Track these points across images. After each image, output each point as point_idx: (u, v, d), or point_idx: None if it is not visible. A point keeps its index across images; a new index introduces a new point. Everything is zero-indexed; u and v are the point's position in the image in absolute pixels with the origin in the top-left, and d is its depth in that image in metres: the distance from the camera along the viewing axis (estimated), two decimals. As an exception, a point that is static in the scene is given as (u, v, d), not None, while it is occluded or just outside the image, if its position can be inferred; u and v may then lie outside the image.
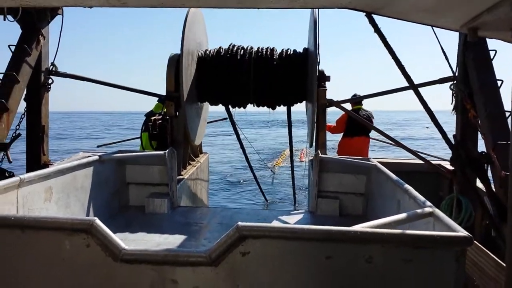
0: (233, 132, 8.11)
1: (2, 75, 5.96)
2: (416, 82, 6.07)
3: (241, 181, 15.52)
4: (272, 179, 15.37)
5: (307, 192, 7.65)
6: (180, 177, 6.23)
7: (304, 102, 7.17)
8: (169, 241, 4.17)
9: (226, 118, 8.57)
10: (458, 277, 2.02)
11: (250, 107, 7.21)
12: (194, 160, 7.67)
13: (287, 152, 20.67)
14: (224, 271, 2.06)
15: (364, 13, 3.23)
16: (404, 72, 3.60)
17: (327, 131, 7.12)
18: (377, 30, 3.34)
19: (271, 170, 16.60)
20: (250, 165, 8.61)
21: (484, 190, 4.87)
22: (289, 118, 7.45)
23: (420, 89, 4.48)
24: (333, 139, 9.13)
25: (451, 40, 6.09)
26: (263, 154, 20.10)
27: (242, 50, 6.78)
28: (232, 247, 2.04)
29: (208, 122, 8.59)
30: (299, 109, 7.61)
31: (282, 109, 7.37)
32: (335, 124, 8.43)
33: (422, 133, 41.47)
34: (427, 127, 51.37)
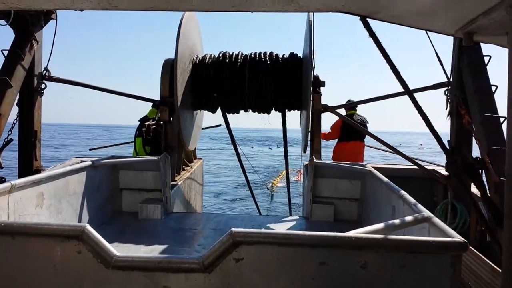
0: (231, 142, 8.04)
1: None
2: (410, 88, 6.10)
3: (237, 198, 15.48)
4: (271, 197, 15.10)
5: (302, 198, 7.63)
6: (174, 182, 6.19)
7: (299, 111, 7.16)
8: (163, 248, 4.13)
9: (220, 125, 8.53)
10: (454, 282, 2.01)
11: (245, 119, 7.18)
12: (188, 166, 7.63)
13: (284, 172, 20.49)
14: (218, 278, 2.03)
15: (359, 17, 3.22)
16: (399, 77, 3.59)
17: (321, 139, 7.11)
18: (372, 34, 3.33)
19: (268, 189, 16.15)
20: (246, 176, 8.53)
21: (479, 196, 4.88)
22: (284, 124, 7.43)
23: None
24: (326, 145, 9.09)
25: (444, 46, 6.12)
26: (260, 173, 19.75)
27: (236, 56, 6.77)
28: (226, 253, 2.01)
29: (202, 128, 8.55)
30: (296, 127, 7.57)
31: (278, 126, 7.32)
32: (329, 131, 8.43)
33: (416, 150, 41.71)
34: (421, 144, 52.02)
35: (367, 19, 3.21)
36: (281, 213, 12.24)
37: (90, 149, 13.10)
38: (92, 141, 47.19)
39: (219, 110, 7.24)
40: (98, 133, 73.54)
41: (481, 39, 2.92)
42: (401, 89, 4.03)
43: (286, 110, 7.13)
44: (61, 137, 56.02)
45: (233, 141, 7.92)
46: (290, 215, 8.22)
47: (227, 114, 7.25)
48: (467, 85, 5.52)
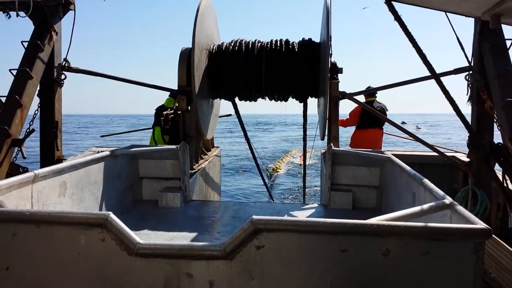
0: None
1: (16, 71, 6.00)
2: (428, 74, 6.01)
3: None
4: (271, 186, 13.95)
5: (320, 185, 7.60)
6: (193, 171, 6.23)
7: (316, 98, 7.11)
8: (183, 235, 4.18)
9: (231, 115, 8.56)
10: (477, 269, 1.99)
11: (263, 105, 7.17)
12: (206, 154, 7.67)
13: (290, 154, 20.31)
14: (239, 265, 2.05)
15: (384, 0, 3.16)
16: (425, 61, 3.52)
17: (339, 126, 7.05)
18: (397, 17, 3.25)
19: (269, 174, 15.14)
20: (257, 165, 8.55)
21: (499, 182, 4.81)
22: (305, 113, 7.37)
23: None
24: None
25: (464, 31, 5.99)
26: (263, 159, 19.25)
27: (253, 43, 6.74)
28: (247, 241, 2.03)
29: (219, 117, 8.57)
30: (312, 112, 7.53)
31: (295, 111, 7.29)
32: (348, 117, 8.37)
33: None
34: (419, 128, 51.35)
35: (392, 2, 3.15)
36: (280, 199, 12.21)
37: (101, 136, 13.22)
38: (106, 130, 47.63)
39: (236, 98, 7.25)
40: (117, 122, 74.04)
41: (508, 22, 2.84)
42: (414, 75, 3.96)
43: (302, 98, 7.09)
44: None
45: (244, 129, 7.93)
46: (304, 202, 8.22)
47: (245, 101, 7.23)
48: (488, 69, 5.40)
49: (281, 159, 19.01)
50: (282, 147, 27.63)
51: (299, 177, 14.56)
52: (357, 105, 7.55)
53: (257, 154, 8.53)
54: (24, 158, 5.85)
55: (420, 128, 50.92)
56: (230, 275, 2.05)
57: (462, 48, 5.80)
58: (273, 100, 7.05)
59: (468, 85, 5.94)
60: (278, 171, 16.53)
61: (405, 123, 48.11)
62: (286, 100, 7.12)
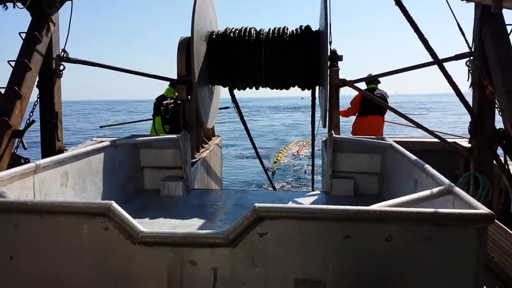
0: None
1: (14, 62, 5.97)
2: (429, 60, 5.98)
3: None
4: (272, 173, 13.45)
5: (321, 172, 7.60)
6: (194, 160, 6.24)
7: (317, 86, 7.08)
8: (185, 224, 4.19)
9: (228, 107, 8.52)
10: (480, 254, 1.99)
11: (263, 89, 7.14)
12: (207, 143, 7.67)
13: (290, 146, 20.18)
14: (242, 252, 2.05)
15: None
16: (427, 46, 3.50)
17: (342, 116, 7.04)
18: (399, 2, 3.23)
19: (270, 170, 14.04)
20: (258, 155, 8.55)
21: (502, 167, 4.81)
22: (314, 100, 7.34)
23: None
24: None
25: (464, 16, 5.95)
26: (265, 149, 18.89)
27: (253, 31, 6.70)
28: (250, 228, 2.03)
29: (220, 109, 8.53)
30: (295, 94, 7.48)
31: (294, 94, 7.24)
32: (349, 106, 8.35)
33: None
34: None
35: None
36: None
37: (100, 127, 13.16)
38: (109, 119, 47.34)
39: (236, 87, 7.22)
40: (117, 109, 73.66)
41: (510, 5, 2.82)
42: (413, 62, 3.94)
43: (302, 86, 7.06)
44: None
45: (242, 119, 7.90)
46: (313, 190, 8.22)
47: (243, 90, 7.19)
48: (489, 55, 5.37)
49: (281, 151, 18.79)
50: (280, 136, 27.49)
51: (301, 170, 14.47)
52: (357, 93, 7.53)
53: (257, 144, 8.50)
54: (25, 149, 5.84)
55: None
56: (233, 262, 2.06)
57: (463, 34, 5.77)
58: (273, 88, 7.02)
59: (469, 71, 5.91)
60: (280, 161, 16.32)
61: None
62: (287, 88, 7.10)
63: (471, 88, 5.86)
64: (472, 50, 5.87)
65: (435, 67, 4.06)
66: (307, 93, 7.29)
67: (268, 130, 31.54)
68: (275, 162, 15.90)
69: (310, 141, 8.38)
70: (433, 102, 73.37)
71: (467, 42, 5.88)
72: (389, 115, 8.29)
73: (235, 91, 7.32)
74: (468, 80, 5.91)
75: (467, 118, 5.52)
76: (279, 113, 54.03)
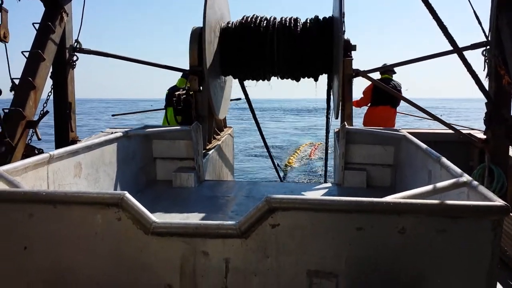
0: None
1: (28, 53, 6.00)
2: (444, 50, 5.88)
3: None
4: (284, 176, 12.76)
5: (333, 164, 7.57)
6: (206, 151, 6.25)
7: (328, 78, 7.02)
8: (197, 214, 4.21)
9: (240, 99, 8.51)
10: (495, 247, 1.96)
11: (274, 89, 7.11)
12: (219, 134, 7.67)
13: (302, 148, 19.94)
14: (254, 243, 2.05)
15: None
16: (447, 34, 3.43)
17: (355, 107, 6.97)
18: None
19: (282, 170, 13.37)
20: (266, 145, 8.54)
21: None
22: (329, 89, 7.27)
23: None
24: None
25: (481, 5, 5.83)
26: (276, 148, 18.70)
27: (265, 21, 6.66)
28: (262, 219, 2.02)
29: (231, 100, 8.52)
30: (322, 96, 7.43)
31: (306, 96, 7.19)
32: (362, 96, 8.27)
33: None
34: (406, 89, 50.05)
35: None
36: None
37: (112, 115, 13.17)
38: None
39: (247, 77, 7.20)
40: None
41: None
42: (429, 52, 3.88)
43: (315, 77, 7.01)
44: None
45: (252, 111, 7.88)
46: (325, 182, 8.19)
47: (257, 80, 7.17)
48: (506, 44, 5.26)
49: (293, 154, 18.44)
50: (292, 138, 26.84)
51: (312, 171, 14.27)
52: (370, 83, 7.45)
53: (269, 143, 8.49)
54: (39, 139, 5.89)
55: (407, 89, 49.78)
56: (245, 253, 2.06)
57: (480, 23, 5.64)
58: (284, 79, 6.98)
59: (485, 61, 5.81)
60: (291, 165, 15.61)
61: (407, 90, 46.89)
62: (298, 80, 7.04)
63: (487, 78, 5.76)
64: (489, 39, 5.76)
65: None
66: (318, 92, 7.26)
67: (279, 131, 31.10)
68: (286, 166, 15.34)
69: (322, 143, 8.37)
70: (442, 107, 72.44)
71: (483, 31, 5.76)
72: (402, 107, 8.21)
73: (250, 82, 7.32)
74: (484, 70, 5.81)
75: (476, 123, 5.45)
76: (290, 115, 53.51)
